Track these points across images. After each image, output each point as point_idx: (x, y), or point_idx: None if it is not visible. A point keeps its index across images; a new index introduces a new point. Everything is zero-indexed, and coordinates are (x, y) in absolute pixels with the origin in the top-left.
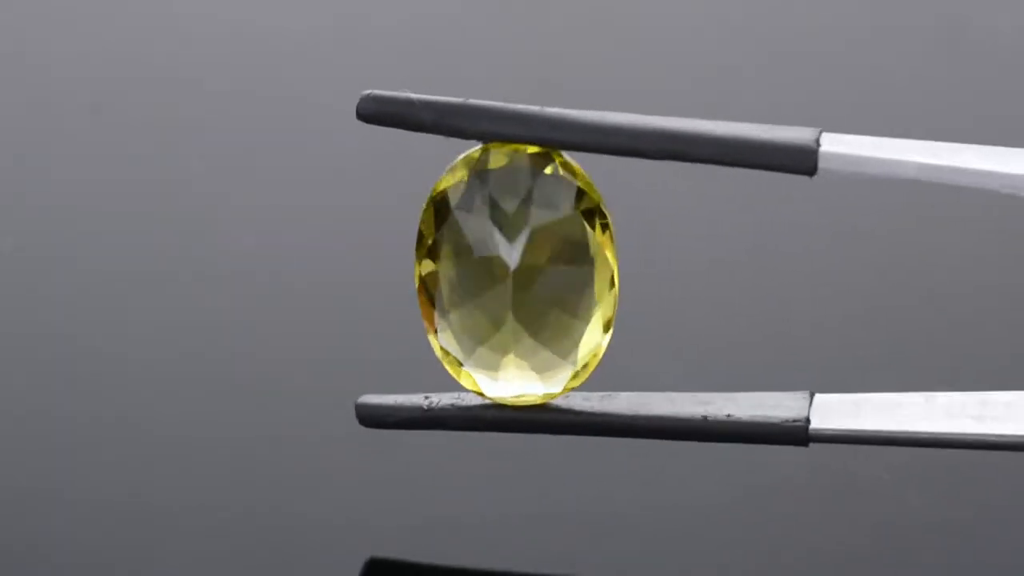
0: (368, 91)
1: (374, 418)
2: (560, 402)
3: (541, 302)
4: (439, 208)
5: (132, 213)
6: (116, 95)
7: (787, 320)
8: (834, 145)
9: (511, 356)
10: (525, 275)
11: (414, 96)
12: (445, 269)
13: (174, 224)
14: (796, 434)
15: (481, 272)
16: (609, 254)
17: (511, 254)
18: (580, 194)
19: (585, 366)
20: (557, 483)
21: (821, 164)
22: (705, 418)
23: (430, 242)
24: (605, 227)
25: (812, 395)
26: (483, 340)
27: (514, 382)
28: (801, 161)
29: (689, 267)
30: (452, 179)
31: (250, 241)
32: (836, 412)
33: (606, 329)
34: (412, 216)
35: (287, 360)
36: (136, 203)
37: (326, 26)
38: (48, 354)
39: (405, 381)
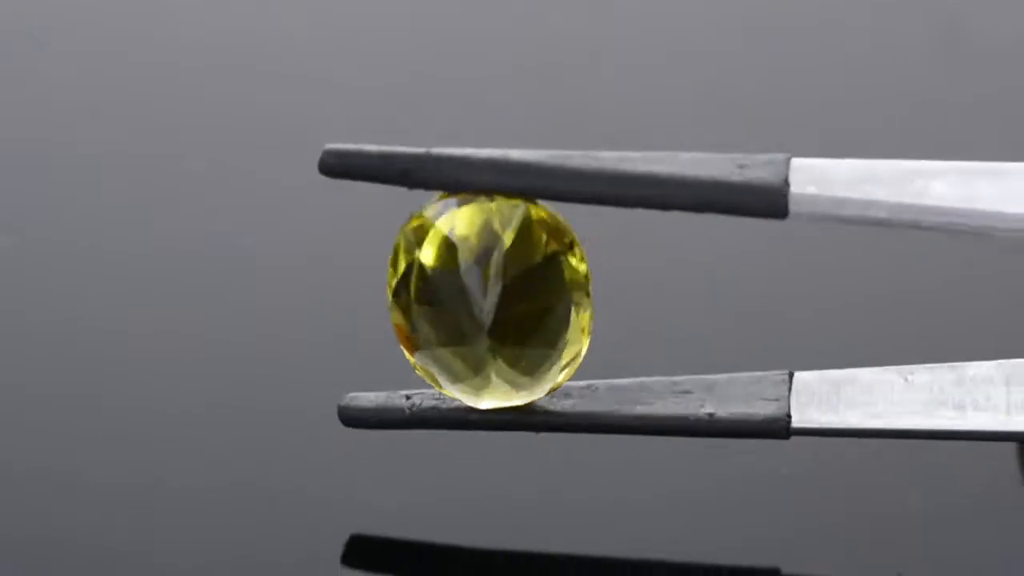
0: (329, 145)
1: (356, 419)
2: (543, 402)
3: (520, 343)
4: (408, 256)
5: (132, 216)
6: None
7: (765, 296)
8: (804, 186)
9: (491, 388)
10: (502, 325)
11: (374, 148)
12: (417, 316)
13: (163, 228)
14: (777, 432)
15: (455, 324)
16: (584, 281)
17: (484, 306)
18: (552, 236)
19: (565, 371)
20: (541, 467)
21: (792, 208)
22: (686, 417)
23: (397, 286)
24: (581, 260)
25: (791, 376)
26: (462, 379)
27: (496, 400)
28: (772, 207)
29: (666, 245)
30: (418, 227)
31: (244, 241)
32: (817, 401)
33: (585, 336)
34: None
35: (272, 346)
36: (134, 204)
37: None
38: (39, 359)
39: (388, 370)
